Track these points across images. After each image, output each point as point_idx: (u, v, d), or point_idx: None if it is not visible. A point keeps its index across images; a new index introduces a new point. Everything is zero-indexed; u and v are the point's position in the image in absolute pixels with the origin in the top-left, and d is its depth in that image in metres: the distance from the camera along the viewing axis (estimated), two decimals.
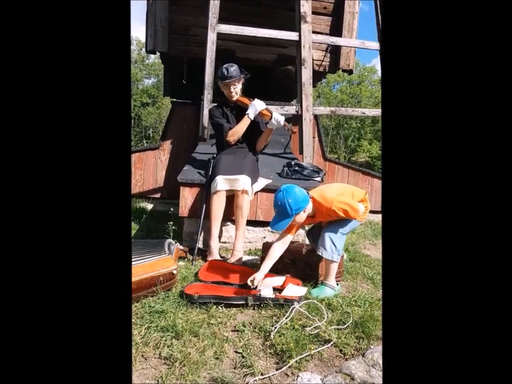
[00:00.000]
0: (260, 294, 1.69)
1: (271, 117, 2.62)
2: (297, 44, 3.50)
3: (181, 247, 2.37)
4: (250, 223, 2.60)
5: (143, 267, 1.70)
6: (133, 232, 3.12)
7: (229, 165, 2.53)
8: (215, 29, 3.23)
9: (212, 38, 3.22)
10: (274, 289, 1.78)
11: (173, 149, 4.45)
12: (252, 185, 2.48)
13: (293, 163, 2.90)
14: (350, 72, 4.62)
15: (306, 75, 3.47)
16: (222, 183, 2.41)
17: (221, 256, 2.43)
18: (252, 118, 2.65)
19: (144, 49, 6.25)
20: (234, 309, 1.67)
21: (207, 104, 3.21)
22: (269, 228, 2.61)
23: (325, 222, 2.01)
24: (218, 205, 2.42)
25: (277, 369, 1.30)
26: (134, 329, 1.45)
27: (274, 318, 1.60)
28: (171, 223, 2.50)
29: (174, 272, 1.77)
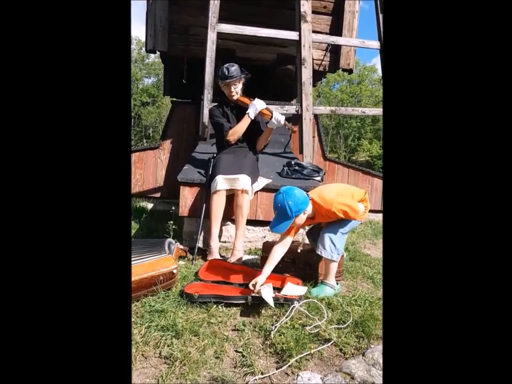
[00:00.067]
0: (260, 294, 1.68)
1: (271, 117, 2.62)
2: (297, 43, 3.50)
3: (181, 247, 2.37)
4: (250, 222, 2.60)
5: (143, 266, 1.70)
6: (133, 231, 3.12)
7: (229, 164, 2.53)
8: (215, 28, 3.23)
9: (212, 37, 3.22)
10: (274, 288, 1.78)
11: (173, 149, 4.45)
12: (252, 185, 2.48)
13: (293, 162, 2.89)
14: (350, 71, 4.61)
15: (306, 74, 3.47)
16: (222, 182, 2.41)
17: (221, 256, 2.43)
18: (252, 118, 2.65)
19: (144, 49, 6.25)
20: (235, 308, 1.68)
21: (207, 104, 3.20)
22: (269, 227, 2.60)
23: (325, 222, 2.01)
24: (218, 204, 2.42)
25: (277, 368, 1.30)
26: (134, 328, 1.45)
27: (274, 317, 1.60)
28: (171, 222, 2.50)
29: (174, 271, 1.78)
